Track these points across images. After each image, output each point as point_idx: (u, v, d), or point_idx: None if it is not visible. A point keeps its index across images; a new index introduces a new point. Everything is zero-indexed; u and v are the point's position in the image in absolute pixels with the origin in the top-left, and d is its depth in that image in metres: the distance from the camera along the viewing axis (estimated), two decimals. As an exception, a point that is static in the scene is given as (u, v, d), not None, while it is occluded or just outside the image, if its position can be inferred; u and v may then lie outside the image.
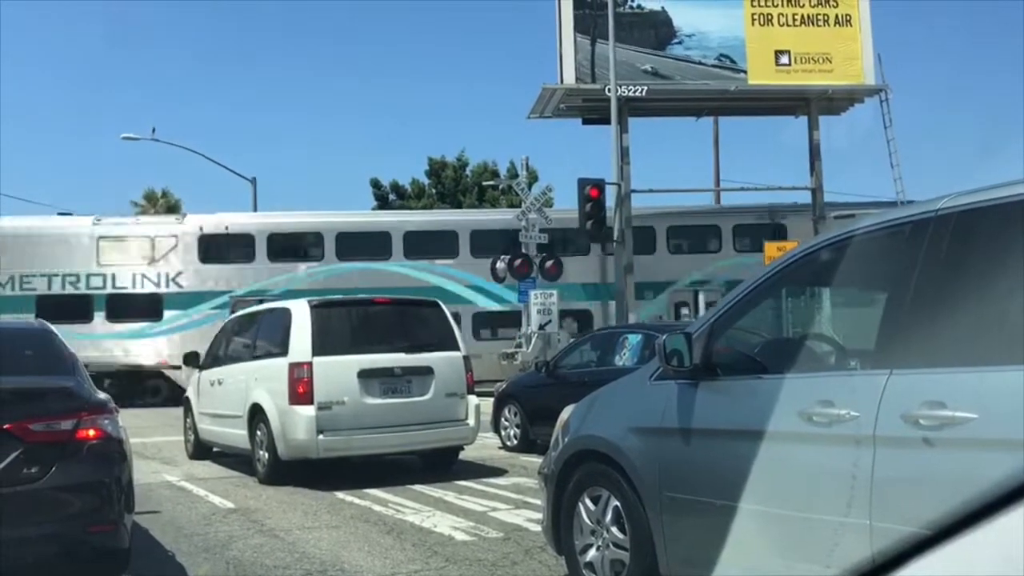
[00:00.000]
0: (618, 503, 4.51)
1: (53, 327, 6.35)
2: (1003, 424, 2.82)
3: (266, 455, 9.66)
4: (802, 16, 23.23)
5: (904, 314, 3.33)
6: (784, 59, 23.07)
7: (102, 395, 5.48)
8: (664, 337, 4.23)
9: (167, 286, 24.25)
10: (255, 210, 29.82)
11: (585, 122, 24.50)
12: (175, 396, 17.46)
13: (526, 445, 12.04)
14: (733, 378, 4.06)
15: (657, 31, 23.37)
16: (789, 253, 4.15)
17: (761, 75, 23.06)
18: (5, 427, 4.76)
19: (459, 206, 37.97)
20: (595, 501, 4.70)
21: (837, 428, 3.31)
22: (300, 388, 9.34)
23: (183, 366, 13.92)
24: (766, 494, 3.59)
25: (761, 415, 3.66)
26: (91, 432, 4.99)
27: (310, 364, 9.39)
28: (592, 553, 4.71)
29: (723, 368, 4.08)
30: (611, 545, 4.58)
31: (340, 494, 8.72)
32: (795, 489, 3.51)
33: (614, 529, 4.56)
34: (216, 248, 24.67)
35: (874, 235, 3.70)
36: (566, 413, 5.26)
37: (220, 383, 11.19)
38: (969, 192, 3.29)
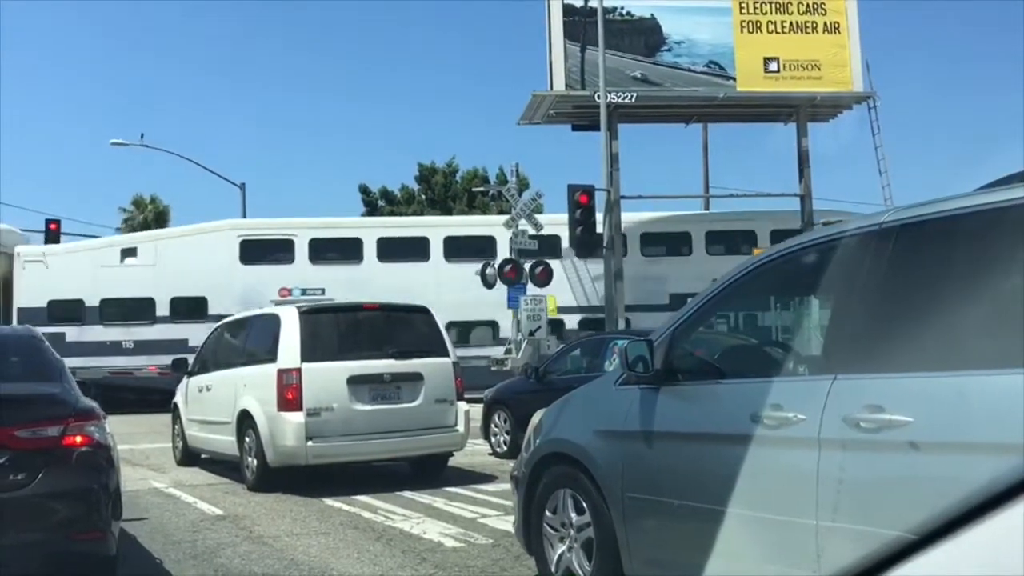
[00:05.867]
0: (585, 504, 4.66)
1: (40, 333, 6.32)
2: (936, 428, 2.95)
3: (255, 462, 9.62)
4: (791, 23, 23.33)
5: (848, 322, 3.50)
6: (773, 66, 23.17)
7: (89, 401, 5.45)
8: (627, 343, 4.36)
9: None
10: (244, 216, 29.71)
11: (575, 128, 24.55)
12: None
13: (516, 451, 11.92)
14: (692, 383, 4.22)
15: (646, 38, 23.44)
16: (745, 263, 4.29)
17: (750, 82, 23.14)
18: None
19: (449, 212, 38.00)
20: (563, 503, 4.85)
21: (786, 431, 3.46)
22: (289, 394, 9.31)
23: (172, 372, 13.81)
24: (720, 494, 3.70)
25: (717, 418, 3.86)
26: (78, 439, 4.97)
27: (299, 370, 9.36)
28: (560, 554, 4.86)
29: (683, 373, 4.24)
30: (578, 546, 4.73)
31: (329, 501, 8.69)
32: (748, 489, 3.63)
33: (581, 530, 4.71)
34: None
35: (824, 247, 3.86)
36: (537, 417, 5.43)
37: (208, 389, 11.14)
38: (911, 206, 3.45)
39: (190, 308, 23.35)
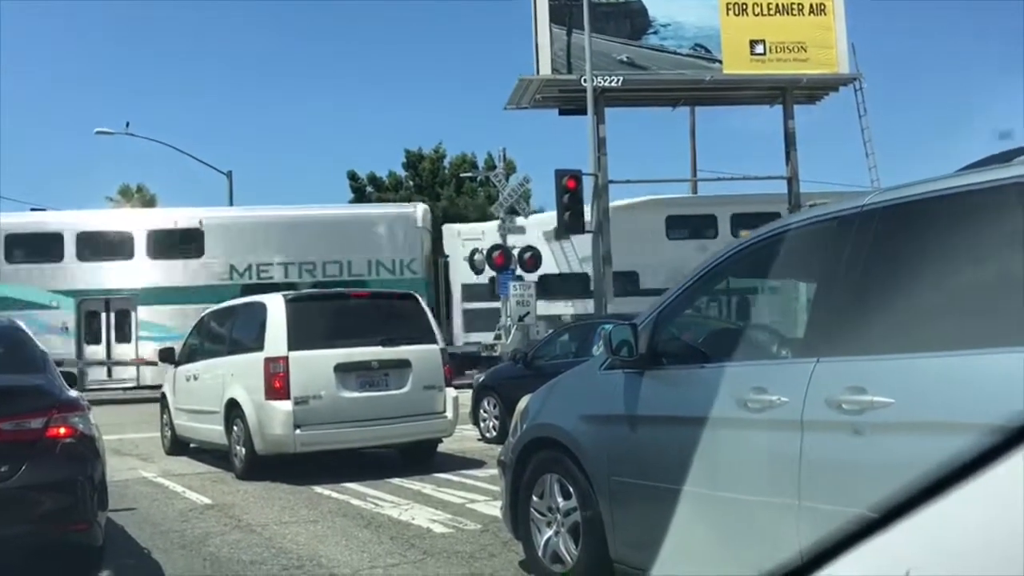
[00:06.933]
0: (571, 489, 4.68)
1: (23, 325, 6.29)
2: (917, 408, 2.98)
3: (243, 450, 9.61)
4: (776, 5, 23.27)
5: (830, 305, 3.51)
6: (759, 48, 23.13)
7: (73, 393, 5.43)
8: (611, 328, 4.38)
9: None
10: (231, 204, 29.58)
11: (562, 113, 24.47)
12: None
13: (505, 437, 11.97)
14: (677, 367, 4.23)
15: (632, 21, 23.35)
16: (729, 247, 4.29)
17: (736, 65, 23.10)
18: None
19: (437, 198, 37.89)
20: (550, 487, 4.88)
21: (769, 413, 3.47)
22: (276, 383, 9.30)
23: (159, 362, 13.78)
24: (705, 477, 3.74)
25: (701, 402, 3.85)
26: (62, 430, 4.95)
27: (286, 359, 9.34)
28: (547, 538, 4.89)
29: (668, 357, 4.25)
30: (565, 530, 4.76)
31: (318, 488, 8.70)
32: (731, 472, 3.67)
33: (568, 515, 4.73)
34: None
35: (806, 229, 3.89)
36: (523, 402, 5.47)
37: (196, 378, 11.12)
38: (893, 188, 3.47)
39: (622, 283, 23.27)
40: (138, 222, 25.02)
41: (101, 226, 24.90)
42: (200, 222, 24.41)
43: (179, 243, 24.29)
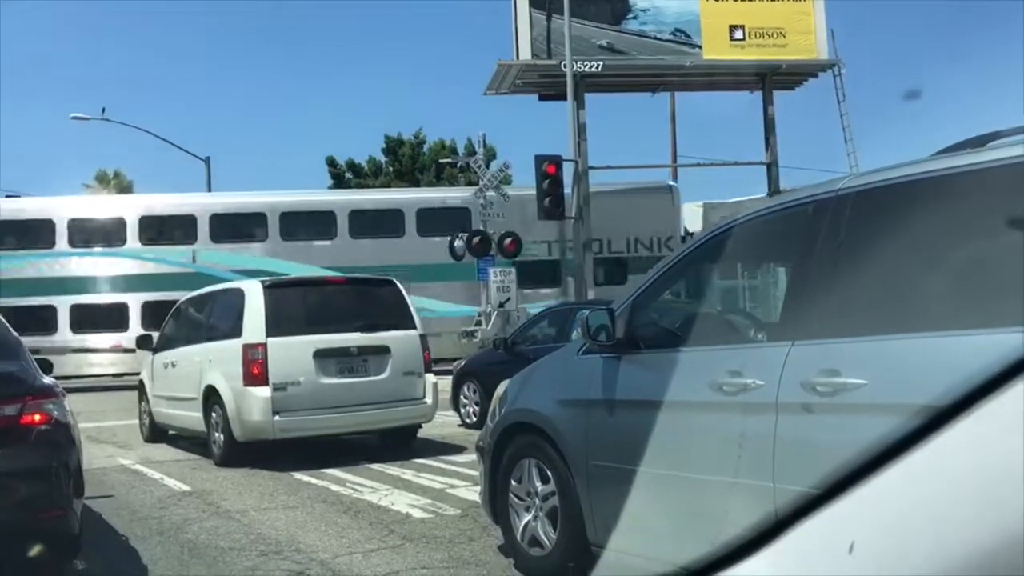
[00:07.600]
0: (550, 473, 4.71)
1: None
2: (889, 389, 3.00)
3: (222, 437, 9.57)
4: (756, -10, 23.27)
5: (805, 289, 3.54)
6: (738, 34, 23.12)
7: (48, 379, 5.39)
8: (588, 313, 4.39)
9: None
10: (209, 190, 29.40)
11: (542, 98, 24.40)
12: None
13: (485, 422, 12.02)
14: (653, 351, 4.25)
15: (612, 6, 23.28)
16: (705, 232, 4.30)
17: (715, 50, 23.09)
18: None
19: (417, 184, 37.75)
20: (528, 472, 4.90)
21: (744, 396, 3.50)
22: (255, 369, 9.26)
23: (136, 349, 13.69)
24: (682, 460, 3.77)
25: (677, 385, 3.88)
26: (36, 417, 4.91)
27: (264, 345, 9.31)
28: (526, 523, 4.91)
29: (645, 341, 4.27)
30: (543, 515, 4.78)
31: (297, 474, 8.68)
32: (708, 455, 3.68)
33: (546, 499, 4.76)
34: None
35: (781, 214, 3.92)
36: (502, 387, 5.46)
37: (174, 365, 11.06)
38: (867, 173, 3.50)
39: None
40: (408, 201, 25.67)
41: (372, 205, 25.87)
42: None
43: (447, 221, 24.40)
